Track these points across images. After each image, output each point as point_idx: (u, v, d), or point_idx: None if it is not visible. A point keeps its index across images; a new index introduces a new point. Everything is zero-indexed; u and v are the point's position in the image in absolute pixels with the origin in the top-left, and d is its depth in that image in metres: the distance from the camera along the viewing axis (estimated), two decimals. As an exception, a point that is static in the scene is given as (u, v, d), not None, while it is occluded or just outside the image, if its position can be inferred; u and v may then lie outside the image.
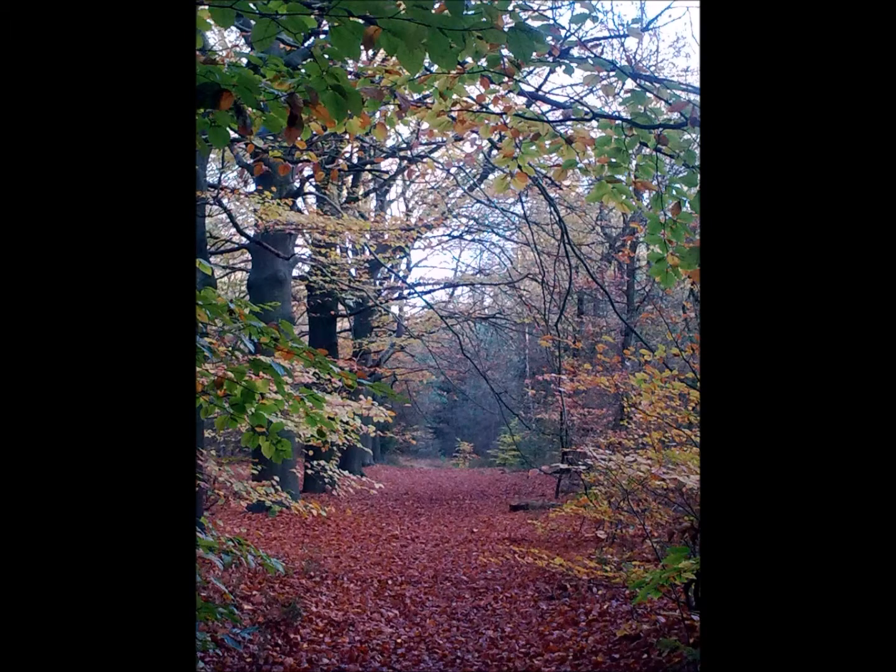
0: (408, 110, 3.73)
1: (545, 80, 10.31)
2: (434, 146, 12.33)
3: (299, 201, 14.06)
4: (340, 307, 16.98)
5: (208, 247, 12.98)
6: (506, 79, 3.62)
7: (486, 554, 8.45)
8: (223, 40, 12.98)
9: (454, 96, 3.80)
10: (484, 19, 2.48)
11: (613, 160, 3.83)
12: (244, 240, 14.35)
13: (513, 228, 16.44)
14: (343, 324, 19.96)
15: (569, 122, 4.47)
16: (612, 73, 3.77)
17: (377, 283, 17.12)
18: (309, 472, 11.92)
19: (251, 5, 2.44)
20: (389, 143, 11.27)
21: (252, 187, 12.42)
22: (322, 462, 9.79)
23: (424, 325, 19.96)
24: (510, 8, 2.86)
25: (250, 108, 2.70)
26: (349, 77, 3.21)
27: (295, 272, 14.49)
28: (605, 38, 9.78)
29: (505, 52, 3.24)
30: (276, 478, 8.21)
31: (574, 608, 6.05)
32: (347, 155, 13.70)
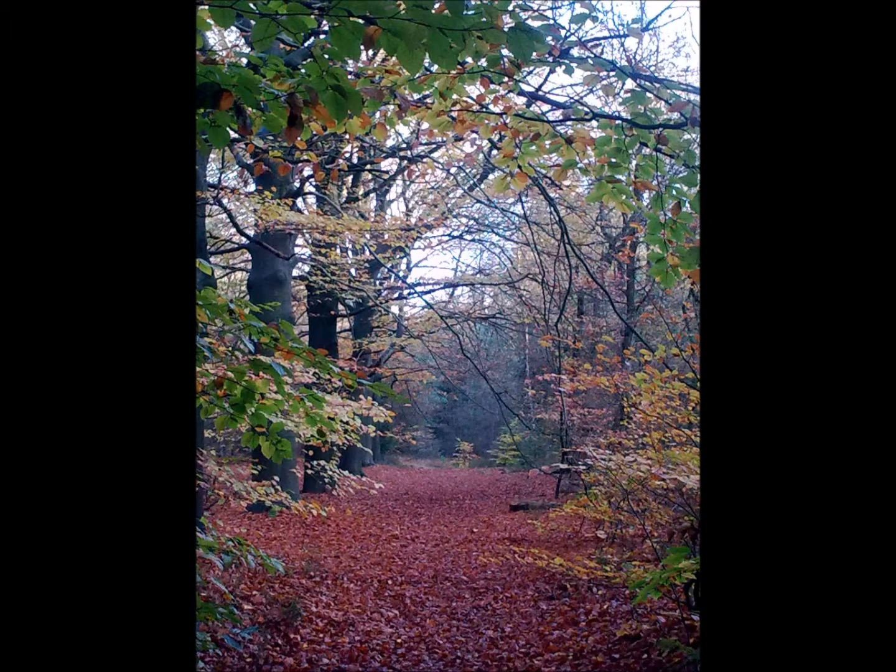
0: (408, 110, 3.73)
1: (545, 80, 10.33)
2: (434, 146, 12.33)
3: (299, 201, 14.06)
4: (340, 307, 16.98)
5: (208, 247, 12.98)
6: (506, 79, 3.62)
7: (486, 554, 8.45)
8: (223, 40, 12.98)
9: (454, 96, 3.80)
10: (484, 19, 2.48)
11: (613, 160, 3.83)
12: (244, 240, 14.35)
13: (513, 228, 16.45)
14: (343, 324, 19.96)
15: (569, 122, 4.47)
16: (612, 73, 3.77)
17: (377, 283, 17.11)
18: (309, 472, 11.92)
19: (251, 5, 2.44)
20: (389, 143, 11.28)
21: (252, 187, 12.42)
22: (322, 462, 9.79)
23: (424, 325, 19.96)
24: (510, 8, 2.86)
25: (250, 108, 2.70)
26: (349, 77, 3.21)
27: (295, 272, 14.49)
28: (605, 38, 9.78)
29: (505, 52, 3.24)
30: (276, 478, 8.21)
31: (574, 608, 6.05)
32: (347, 155, 13.70)
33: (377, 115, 3.98)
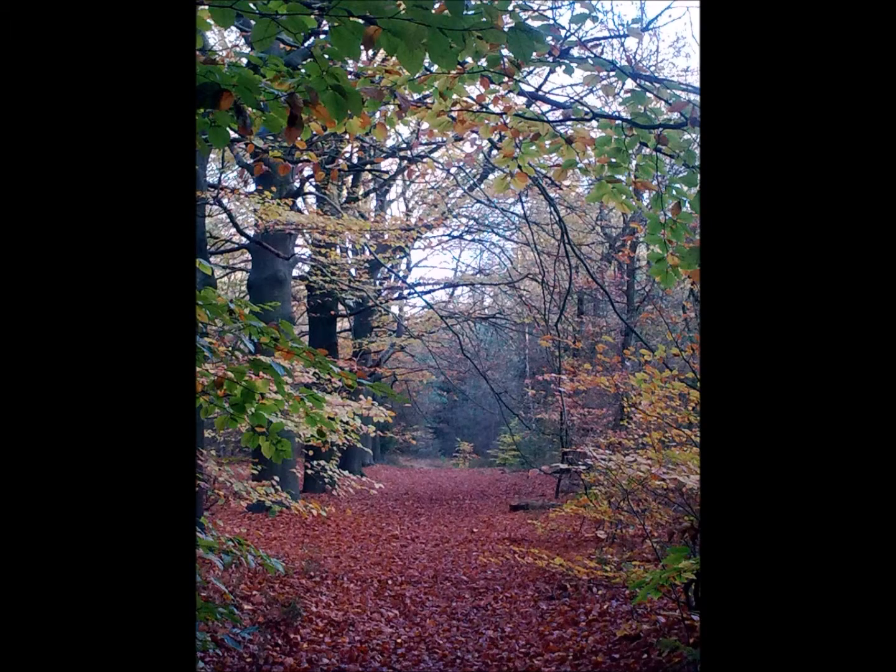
0: (408, 110, 3.73)
1: (545, 80, 10.33)
2: (434, 146, 12.33)
3: (299, 201, 14.06)
4: (340, 307, 16.98)
5: (208, 247, 12.98)
6: (506, 79, 3.62)
7: (486, 554, 8.45)
8: (223, 40, 12.98)
9: (454, 96, 3.80)
10: (484, 19, 2.48)
11: (613, 160, 3.83)
12: (244, 240, 14.35)
13: (513, 228, 16.45)
14: (343, 324, 19.96)
15: (569, 122, 4.47)
16: (612, 73, 3.77)
17: (377, 283, 17.12)
18: (309, 472, 11.92)
19: (251, 5, 2.44)
20: (389, 143, 11.28)
21: (252, 187, 12.42)
22: (322, 462, 9.79)
23: (424, 325, 19.96)
24: (510, 8, 2.86)
25: (250, 108, 2.70)
26: (349, 77, 3.21)
27: (295, 272, 14.49)
28: (605, 38, 9.78)
29: (505, 52, 3.24)
30: (276, 478, 8.21)
31: (574, 608, 6.05)
32: (347, 155, 13.70)
33: (377, 115, 3.98)
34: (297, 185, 12.41)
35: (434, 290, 22.56)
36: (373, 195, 18.10)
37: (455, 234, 18.38)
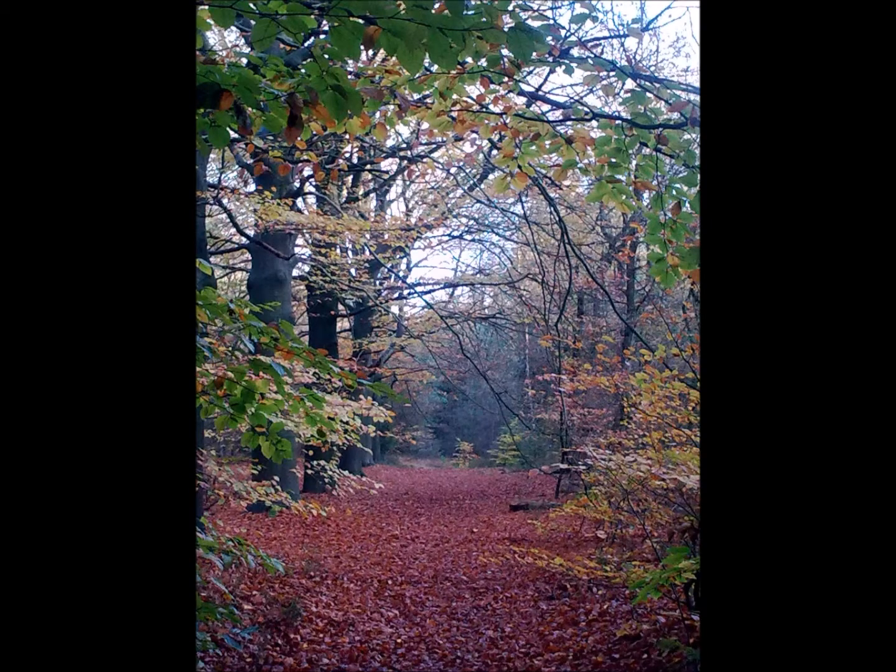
0: (408, 110, 3.73)
1: (545, 80, 10.32)
2: (434, 146, 12.33)
3: (299, 201, 14.06)
4: (340, 307, 16.98)
5: (208, 247, 12.98)
6: (506, 79, 3.62)
7: (486, 554, 8.45)
8: (223, 40, 12.98)
9: (454, 96, 3.80)
10: (484, 19, 2.48)
11: (613, 160, 3.83)
12: (244, 240, 14.35)
13: (513, 228, 16.45)
14: (343, 324, 19.96)
15: (569, 122, 4.47)
16: (612, 73, 3.77)
17: (377, 283, 17.12)
18: (309, 472, 11.92)
19: (251, 5, 2.44)
20: (389, 143, 11.28)
21: (252, 187, 12.42)
22: (322, 462, 9.79)
23: (424, 325, 19.96)
24: (510, 8, 2.86)
25: (250, 108, 2.70)
26: (349, 77, 3.21)
27: (295, 272, 14.50)
28: (605, 38, 9.79)
29: (505, 52, 3.24)
30: (276, 478, 8.21)
31: (574, 608, 6.05)
32: (347, 155, 13.70)
33: (377, 115, 3.98)
34: (297, 185, 12.41)
35: (434, 290, 22.60)
36: (373, 195, 18.10)
37: (455, 234, 18.40)
